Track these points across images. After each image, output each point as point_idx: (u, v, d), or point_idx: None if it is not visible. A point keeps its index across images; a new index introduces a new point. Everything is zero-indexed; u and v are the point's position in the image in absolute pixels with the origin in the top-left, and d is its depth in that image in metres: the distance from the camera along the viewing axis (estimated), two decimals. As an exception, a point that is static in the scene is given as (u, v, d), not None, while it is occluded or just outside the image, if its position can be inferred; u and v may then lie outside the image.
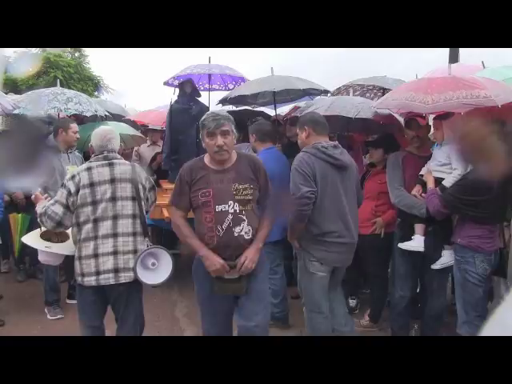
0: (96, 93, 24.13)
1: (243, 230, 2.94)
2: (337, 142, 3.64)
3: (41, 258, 3.43)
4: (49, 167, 4.27)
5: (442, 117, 3.62)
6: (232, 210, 2.90)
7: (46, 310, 4.66)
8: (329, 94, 5.52)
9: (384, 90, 5.38)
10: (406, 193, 3.82)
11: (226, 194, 2.92)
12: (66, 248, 3.33)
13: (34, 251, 5.63)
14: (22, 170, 2.80)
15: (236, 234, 2.91)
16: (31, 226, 5.19)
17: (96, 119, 6.43)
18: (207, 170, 2.98)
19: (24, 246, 5.48)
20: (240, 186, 2.94)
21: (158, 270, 3.11)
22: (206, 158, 3.05)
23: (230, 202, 2.90)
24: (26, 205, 5.30)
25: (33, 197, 3.39)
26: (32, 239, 3.37)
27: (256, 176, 3.03)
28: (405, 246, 3.80)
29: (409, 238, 3.81)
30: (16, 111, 5.42)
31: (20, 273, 5.74)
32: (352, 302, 4.96)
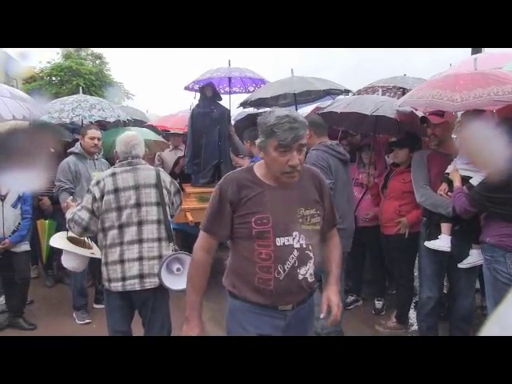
0: (116, 99, 24.47)
1: (309, 271, 2.22)
2: (337, 141, 4.00)
3: (65, 263, 3.48)
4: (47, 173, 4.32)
5: (471, 114, 3.54)
6: (298, 245, 2.16)
7: (74, 314, 4.73)
8: (350, 94, 5.49)
9: (404, 90, 5.32)
10: (431, 191, 3.77)
11: (290, 221, 2.17)
12: (90, 252, 3.37)
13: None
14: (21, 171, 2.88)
15: (300, 277, 2.19)
16: (58, 231, 5.29)
17: (119, 125, 6.52)
18: (262, 187, 2.21)
19: (52, 252, 5.63)
20: (307, 212, 2.22)
21: (183, 275, 3.06)
22: (258, 170, 2.26)
23: (295, 234, 2.16)
24: (52, 211, 5.40)
25: (64, 204, 3.44)
26: (59, 241, 3.41)
27: (321, 197, 2.33)
28: (431, 245, 3.74)
29: (435, 238, 3.75)
30: (43, 117, 5.52)
31: (48, 278, 5.84)
32: (378, 304, 4.91)
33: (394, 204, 4.33)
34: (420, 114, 4.30)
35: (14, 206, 4.50)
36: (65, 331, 4.47)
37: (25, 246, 4.59)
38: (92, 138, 4.73)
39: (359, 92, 5.73)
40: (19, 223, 4.50)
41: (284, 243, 2.14)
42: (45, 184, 4.72)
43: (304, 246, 2.18)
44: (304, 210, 2.21)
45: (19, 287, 4.52)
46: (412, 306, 4.68)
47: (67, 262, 3.50)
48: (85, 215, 3.07)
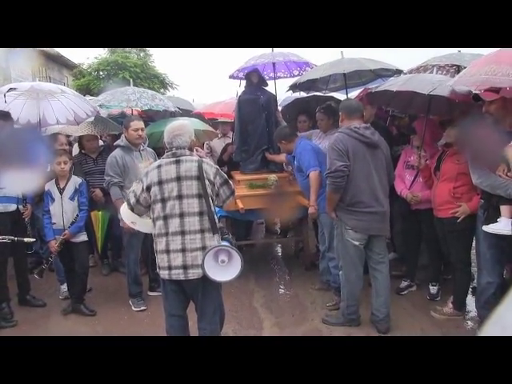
0: (162, 90, 24.88)
1: None
2: (369, 124, 4.09)
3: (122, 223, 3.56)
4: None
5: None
6: None
7: (130, 301, 4.86)
8: (402, 75, 5.31)
9: (459, 68, 5.09)
10: (489, 172, 3.61)
11: None
12: (148, 227, 3.41)
13: (117, 246, 5.95)
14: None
15: None
16: (111, 222, 5.45)
17: (165, 115, 6.58)
18: None
19: (106, 242, 5.80)
20: None
21: (228, 266, 3.07)
22: None
23: None
24: (104, 202, 5.54)
25: (115, 199, 3.46)
26: (124, 211, 3.49)
27: None
28: (490, 229, 3.59)
29: (494, 221, 3.60)
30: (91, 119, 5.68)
31: (104, 267, 6.03)
32: (433, 289, 4.78)
33: (448, 186, 4.18)
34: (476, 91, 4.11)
35: (72, 198, 4.65)
36: (122, 317, 4.63)
37: (83, 237, 4.75)
38: (135, 130, 4.76)
39: (411, 71, 5.53)
40: (77, 215, 4.65)
41: None
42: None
43: None
44: None
45: (79, 276, 4.69)
46: (469, 292, 4.53)
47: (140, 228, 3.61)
48: (132, 200, 3.25)
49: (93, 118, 5.86)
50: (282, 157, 5.42)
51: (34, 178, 4.16)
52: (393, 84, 4.45)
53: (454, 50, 5.41)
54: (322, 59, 5.80)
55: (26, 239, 4.23)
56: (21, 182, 4.18)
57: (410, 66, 5.75)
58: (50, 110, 5.46)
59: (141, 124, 4.86)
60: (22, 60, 16.09)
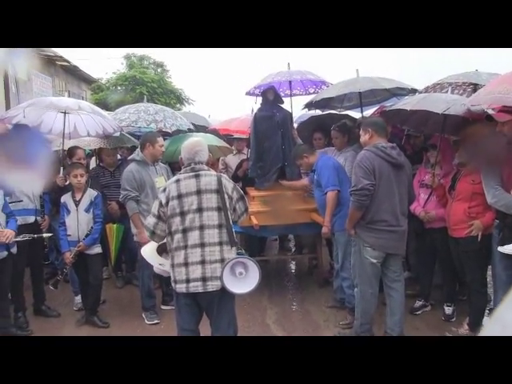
0: (178, 105, 25.18)
1: None
2: (395, 144, 4.08)
3: (155, 269, 3.60)
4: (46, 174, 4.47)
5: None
6: None
7: (143, 315, 4.88)
8: (417, 94, 5.34)
9: (475, 86, 5.10)
10: (504, 192, 3.60)
11: None
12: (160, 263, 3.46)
13: (131, 259, 5.99)
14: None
15: None
16: (125, 235, 5.50)
17: (180, 132, 6.65)
18: None
19: (120, 255, 5.85)
20: None
21: (246, 279, 3.12)
22: None
23: None
24: (120, 215, 5.61)
25: (131, 213, 3.52)
26: (149, 253, 3.54)
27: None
28: (506, 249, 3.56)
29: (509, 242, 3.57)
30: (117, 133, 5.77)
31: (118, 279, 6.08)
32: (448, 310, 4.73)
33: (463, 206, 4.16)
34: (490, 111, 4.12)
35: (87, 210, 4.72)
36: (135, 330, 4.65)
37: (97, 249, 4.81)
38: (161, 146, 4.90)
39: (426, 89, 5.55)
40: (92, 227, 4.72)
41: None
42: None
43: None
44: None
45: (93, 287, 4.74)
46: (486, 314, 4.47)
47: (156, 270, 3.60)
48: (151, 220, 3.26)
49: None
50: (304, 181, 5.48)
51: (37, 178, 4.24)
52: (407, 103, 4.48)
53: (471, 69, 5.42)
54: (337, 76, 5.86)
55: (44, 235, 4.43)
56: (25, 183, 4.26)
57: (426, 84, 5.75)
58: (81, 123, 5.57)
59: (163, 141, 5.01)
60: (42, 74, 16.45)
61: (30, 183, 4.44)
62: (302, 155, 5.05)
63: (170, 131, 5.67)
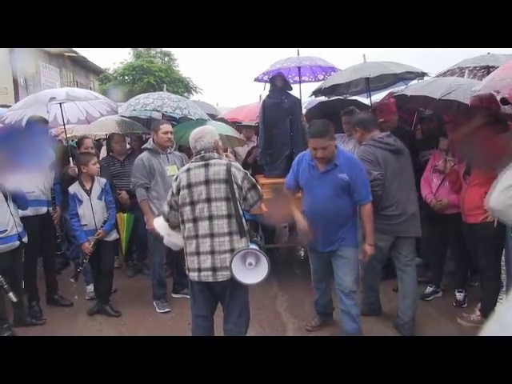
0: (186, 94, 25.13)
1: None
2: (389, 132, 4.18)
3: (164, 241, 3.61)
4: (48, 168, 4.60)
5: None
6: None
7: (154, 303, 4.91)
8: (425, 78, 5.26)
9: (488, 69, 5.00)
10: None
11: None
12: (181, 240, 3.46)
13: (141, 249, 6.02)
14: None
15: None
16: (136, 224, 5.52)
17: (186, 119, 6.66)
18: None
19: (131, 244, 5.88)
20: None
21: (256, 269, 3.12)
22: None
23: None
24: (130, 204, 5.63)
25: (141, 200, 3.57)
26: (160, 224, 3.56)
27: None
28: (519, 236, 3.53)
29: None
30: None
31: (129, 268, 6.12)
32: (459, 295, 4.72)
33: (479, 191, 4.08)
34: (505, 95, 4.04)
35: (100, 198, 4.74)
36: (147, 318, 4.69)
37: (115, 235, 4.88)
38: (165, 133, 4.84)
39: (439, 76, 5.47)
40: (109, 214, 4.75)
41: None
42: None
43: None
44: None
45: (105, 275, 4.79)
46: (498, 300, 4.44)
47: (165, 241, 3.61)
48: (165, 208, 3.36)
49: (116, 117, 6.00)
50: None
51: (41, 175, 4.27)
52: (410, 88, 4.44)
53: (484, 52, 5.33)
54: (344, 62, 5.83)
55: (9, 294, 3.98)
56: (31, 179, 4.29)
57: (439, 70, 5.68)
58: (59, 111, 5.58)
59: (170, 127, 4.94)
60: (50, 65, 16.47)
61: (38, 179, 4.47)
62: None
63: (194, 118, 5.65)
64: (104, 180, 4.84)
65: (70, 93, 5.12)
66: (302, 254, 6.97)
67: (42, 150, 3.89)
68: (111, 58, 42.74)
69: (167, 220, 3.36)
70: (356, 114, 4.79)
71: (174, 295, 5.19)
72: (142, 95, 6.22)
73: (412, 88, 4.43)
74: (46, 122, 5.06)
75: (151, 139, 4.98)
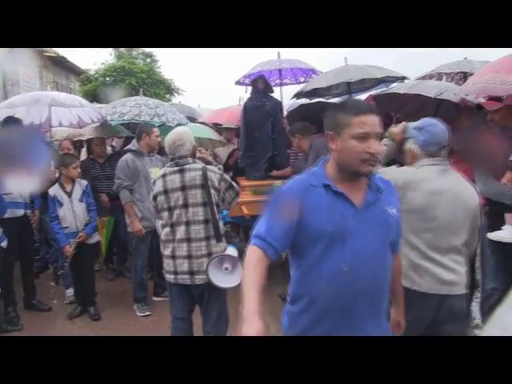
0: (168, 95, 25.02)
1: None
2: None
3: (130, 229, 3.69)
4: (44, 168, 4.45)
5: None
6: None
7: (134, 306, 4.88)
8: (405, 81, 5.34)
9: (465, 74, 5.10)
10: (494, 180, 3.62)
11: None
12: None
13: (122, 252, 5.96)
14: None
15: None
16: (116, 227, 5.48)
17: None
18: None
19: (111, 247, 5.83)
20: None
21: (232, 273, 3.16)
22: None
23: None
24: (110, 207, 5.58)
25: (124, 202, 3.58)
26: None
27: None
28: (494, 236, 3.58)
29: (498, 228, 3.59)
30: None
31: (109, 271, 6.06)
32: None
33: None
34: (480, 99, 4.12)
35: (81, 200, 4.69)
36: (127, 322, 4.65)
37: (96, 237, 4.86)
38: (157, 136, 4.89)
39: (418, 79, 5.56)
40: (90, 216, 4.71)
41: None
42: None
43: None
44: None
45: (88, 278, 4.76)
46: (474, 299, 4.51)
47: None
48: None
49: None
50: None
51: (37, 179, 4.19)
52: (400, 87, 4.49)
53: (461, 58, 5.43)
54: (325, 64, 5.88)
55: None
56: (25, 184, 4.22)
57: (416, 74, 5.77)
58: (54, 113, 5.54)
59: (158, 131, 4.98)
60: (29, 64, 16.24)
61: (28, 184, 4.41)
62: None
63: (172, 125, 5.63)
64: (85, 182, 4.79)
65: (55, 98, 5.11)
66: (284, 255, 6.98)
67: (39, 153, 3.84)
68: (92, 59, 42.24)
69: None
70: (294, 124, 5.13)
71: (154, 298, 5.16)
72: (118, 102, 6.19)
73: (404, 86, 4.46)
74: (20, 121, 4.98)
75: (134, 141, 4.96)
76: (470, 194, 2.64)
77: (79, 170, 4.71)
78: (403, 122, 2.97)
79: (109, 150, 6.44)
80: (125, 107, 5.84)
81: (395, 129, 2.98)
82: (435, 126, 2.69)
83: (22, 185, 4.34)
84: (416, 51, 6.07)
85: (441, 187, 2.57)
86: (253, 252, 1.89)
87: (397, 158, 3.16)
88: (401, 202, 2.17)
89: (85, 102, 5.92)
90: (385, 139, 2.95)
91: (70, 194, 4.63)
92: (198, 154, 3.52)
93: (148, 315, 4.78)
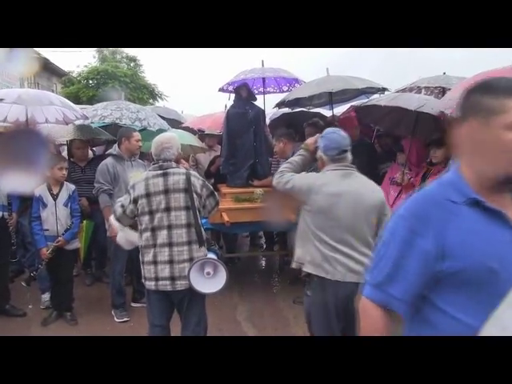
0: (151, 100, 24.89)
1: None
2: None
3: (118, 238, 3.57)
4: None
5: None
6: None
7: (112, 312, 4.82)
8: (386, 93, 5.43)
9: (444, 89, 5.22)
10: None
11: None
12: (134, 236, 3.40)
13: (100, 256, 5.89)
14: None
15: None
16: (95, 232, 5.41)
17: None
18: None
19: (90, 251, 5.75)
20: None
21: (214, 278, 3.16)
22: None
23: None
24: (90, 211, 5.51)
25: (103, 206, 3.50)
26: (113, 219, 3.51)
27: None
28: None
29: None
30: (79, 122, 5.64)
31: (87, 277, 5.97)
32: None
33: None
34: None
35: (66, 205, 4.61)
36: (105, 328, 4.58)
37: (76, 244, 4.76)
38: (137, 140, 4.83)
39: (398, 91, 5.66)
40: (72, 222, 4.62)
41: None
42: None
43: None
44: None
45: (66, 284, 4.67)
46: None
47: (118, 239, 3.55)
48: (119, 211, 3.28)
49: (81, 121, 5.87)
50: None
51: (33, 179, 4.12)
52: (381, 100, 4.55)
53: (440, 73, 5.55)
54: (308, 74, 5.93)
55: None
56: (20, 183, 4.14)
57: (396, 87, 5.88)
58: (39, 109, 5.42)
59: (139, 136, 4.92)
60: (11, 64, 16.03)
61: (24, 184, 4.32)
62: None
63: (154, 130, 5.59)
64: (73, 187, 4.73)
65: (22, 96, 4.92)
66: (264, 263, 7.00)
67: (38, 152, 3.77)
68: (75, 61, 41.84)
69: (118, 220, 3.31)
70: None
71: (133, 304, 5.11)
72: (99, 105, 6.13)
73: (384, 99, 4.54)
74: None
75: (116, 145, 4.92)
76: (371, 194, 2.87)
77: (64, 173, 4.61)
78: (317, 134, 3.19)
79: (90, 153, 6.36)
80: (106, 110, 5.79)
81: (309, 140, 3.24)
82: (334, 132, 2.98)
83: (18, 183, 4.27)
84: (400, 54, 6.21)
85: (340, 190, 2.81)
86: (374, 311, 1.43)
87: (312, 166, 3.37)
88: (307, 203, 2.82)
89: (58, 98, 5.74)
90: (301, 150, 3.26)
91: (55, 197, 4.55)
92: (180, 166, 3.51)
93: (126, 321, 4.73)
